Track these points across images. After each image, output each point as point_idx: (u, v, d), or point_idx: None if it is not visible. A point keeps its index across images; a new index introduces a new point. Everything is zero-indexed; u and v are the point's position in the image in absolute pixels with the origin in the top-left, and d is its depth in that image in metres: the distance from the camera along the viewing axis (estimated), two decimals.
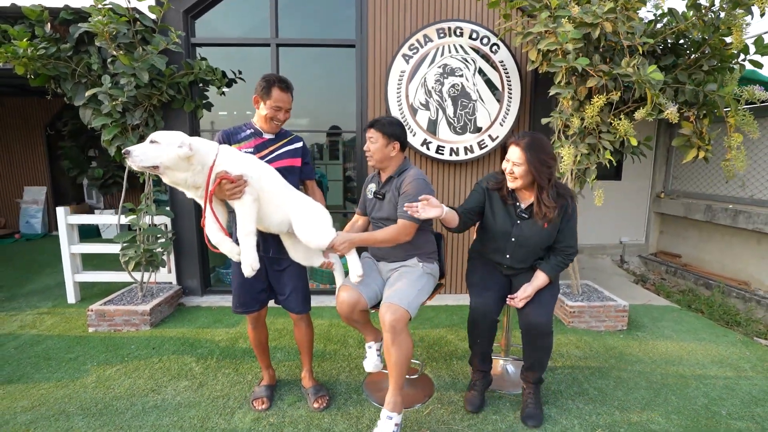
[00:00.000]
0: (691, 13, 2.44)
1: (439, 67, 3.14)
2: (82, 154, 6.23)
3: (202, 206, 1.62)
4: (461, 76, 3.15)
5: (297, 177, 2.00)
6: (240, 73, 3.45)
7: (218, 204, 1.69)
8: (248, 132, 1.92)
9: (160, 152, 1.49)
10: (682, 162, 2.97)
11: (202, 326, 2.98)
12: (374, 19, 3.15)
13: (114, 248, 3.20)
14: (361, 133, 3.34)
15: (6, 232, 6.28)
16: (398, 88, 3.13)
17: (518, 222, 1.87)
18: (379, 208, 1.97)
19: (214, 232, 1.64)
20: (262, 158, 1.86)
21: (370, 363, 2.00)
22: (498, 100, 3.20)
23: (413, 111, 3.17)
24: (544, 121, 2.85)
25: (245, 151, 1.84)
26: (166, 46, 2.71)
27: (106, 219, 3.41)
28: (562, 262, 1.88)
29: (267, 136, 1.93)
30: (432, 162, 3.32)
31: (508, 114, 3.22)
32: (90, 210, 6.54)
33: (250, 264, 1.60)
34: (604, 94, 2.39)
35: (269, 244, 1.91)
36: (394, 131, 1.91)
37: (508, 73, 3.18)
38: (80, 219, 3.40)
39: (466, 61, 3.15)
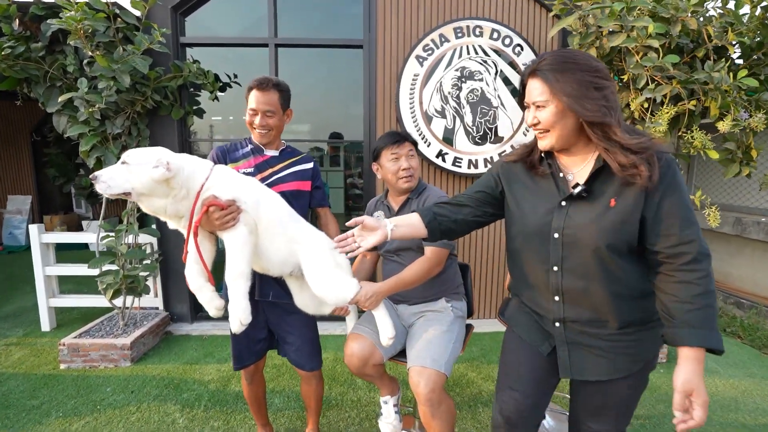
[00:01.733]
0: (757, 12, 2.13)
1: (457, 70, 2.82)
2: (68, 162, 5.89)
3: (185, 239, 1.30)
4: (481, 80, 2.84)
5: (306, 204, 1.67)
6: (235, 76, 3.12)
7: (205, 238, 1.36)
8: (247, 149, 1.61)
9: (130, 175, 1.20)
10: (724, 177, 2.65)
11: (190, 361, 2.63)
12: (384, 17, 2.84)
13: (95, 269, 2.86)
14: (369, 140, 3.01)
15: None
16: (411, 93, 2.81)
17: (562, 204, 1.02)
18: (394, 242, 1.64)
19: (193, 275, 1.31)
20: (263, 180, 1.54)
21: (388, 424, 1.66)
22: (521, 107, 2.88)
23: (428, 119, 2.85)
24: None
25: (244, 172, 1.52)
26: (149, 46, 2.38)
27: (85, 237, 3.07)
28: (699, 283, 0.88)
29: (270, 153, 1.61)
30: (448, 175, 2.99)
31: None
32: (78, 220, 6.19)
33: (238, 318, 1.26)
34: (667, 103, 2.06)
35: (268, 285, 1.57)
36: (416, 143, 1.70)
37: None
38: (56, 237, 3.06)
39: (487, 63, 2.84)
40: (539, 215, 1.05)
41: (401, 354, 1.64)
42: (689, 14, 1.91)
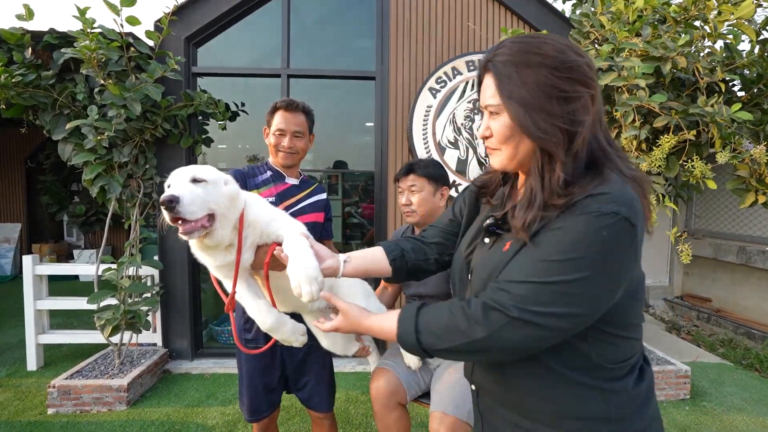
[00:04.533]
0: (756, 49, 2.21)
1: (469, 102, 2.85)
2: (64, 189, 5.75)
3: (232, 279, 1.10)
4: None
5: (317, 236, 1.60)
6: (243, 105, 3.11)
7: (250, 277, 1.20)
8: (267, 175, 1.54)
9: (210, 196, 0.99)
10: (739, 207, 2.66)
11: (191, 403, 2.45)
12: (397, 50, 2.89)
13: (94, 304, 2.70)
14: (381, 170, 2.98)
15: None
16: (424, 125, 2.82)
17: (485, 240, 0.83)
18: (423, 283, 1.56)
19: (264, 311, 1.13)
20: (285, 210, 1.47)
21: None
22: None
23: (441, 149, 2.84)
24: None
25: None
26: (163, 74, 2.36)
27: (80, 269, 2.92)
28: (453, 314, 0.71)
29: (290, 182, 1.56)
30: None
31: None
32: (68, 249, 5.97)
33: (310, 279, 0.91)
34: (670, 133, 2.10)
35: None
36: (441, 173, 1.60)
37: None
38: (51, 269, 2.90)
39: None
40: (462, 250, 0.88)
41: (426, 396, 1.56)
42: (676, 54, 1.97)
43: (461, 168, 2.86)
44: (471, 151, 2.86)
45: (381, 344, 2.78)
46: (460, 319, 0.69)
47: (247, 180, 1.50)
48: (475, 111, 2.86)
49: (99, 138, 2.35)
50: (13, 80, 2.27)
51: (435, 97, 2.82)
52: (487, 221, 0.80)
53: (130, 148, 2.52)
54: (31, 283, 2.82)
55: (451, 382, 1.41)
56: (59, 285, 4.91)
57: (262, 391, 1.50)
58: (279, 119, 1.49)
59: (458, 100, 2.84)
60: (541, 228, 0.68)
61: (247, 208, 1.15)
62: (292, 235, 1.04)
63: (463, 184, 2.87)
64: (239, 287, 1.17)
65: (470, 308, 0.69)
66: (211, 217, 1.02)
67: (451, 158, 2.85)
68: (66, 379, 2.42)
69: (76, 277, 5.63)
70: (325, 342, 1.45)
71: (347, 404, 2.46)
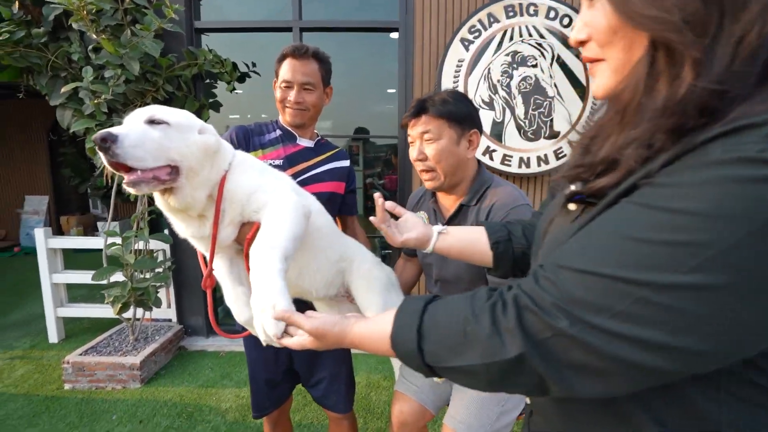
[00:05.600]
0: None
1: (507, 54, 2.46)
2: (84, 161, 5.73)
3: (207, 255, 0.91)
4: (535, 66, 2.47)
5: (336, 210, 1.35)
6: (254, 65, 2.81)
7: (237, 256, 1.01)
8: (275, 134, 1.29)
9: (173, 141, 0.79)
10: None
11: (205, 384, 2.35)
12: None
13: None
14: (404, 137, 2.67)
15: (6, 245, 5.83)
16: (455, 82, 2.46)
17: (565, 207, 0.54)
18: (442, 258, 1.13)
19: (241, 304, 0.96)
20: (295, 177, 1.22)
21: None
22: (581, 98, 2.50)
23: None
24: None
25: (271, 164, 1.19)
26: (159, 26, 2.10)
27: (94, 242, 2.82)
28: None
29: (303, 143, 1.30)
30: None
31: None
32: (94, 221, 6.04)
33: (270, 303, 0.73)
34: None
35: None
36: (468, 110, 1.08)
37: None
38: (63, 242, 2.82)
39: (542, 47, 2.46)
40: (542, 225, 0.63)
41: None
42: None
43: (497, 132, 2.51)
44: (508, 112, 2.50)
45: None
46: (485, 323, 0.43)
47: (251, 138, 1.26)
48: (514, 65, 2.46)
49: (96, 102, 2.15)
50: (0, 38, 2.07)
51: (468, 49, 2.44)
52: (572, 186, 0.50)
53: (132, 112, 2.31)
54: (45, 257, 2.75)
55: (470, 394, 1.16)
56: (86, 257, 4.96)
57: (264, 386, 1.33)
58: (285, 69, 1.23)
59: (494, 53, 2.45)
60: (641, 182, 0.38)
61: (231, 172, 0.90)
62: (271, 219, 0.83)
63: (498, 150, 2.52)
64: (218, 267, 0.98)
65: (503, 307, 0.43)
66: (174, 170, 0.80)
67: (485, 121, 2.49)
68: (80, 355, 2.36)
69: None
70: None
71: (368, 390, 2.29)
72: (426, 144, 1.07)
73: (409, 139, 1.13)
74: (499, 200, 1.08)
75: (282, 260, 0.76)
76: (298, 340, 0.64)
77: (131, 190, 0.76)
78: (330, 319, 0.60)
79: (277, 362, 1.30)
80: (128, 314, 2.45)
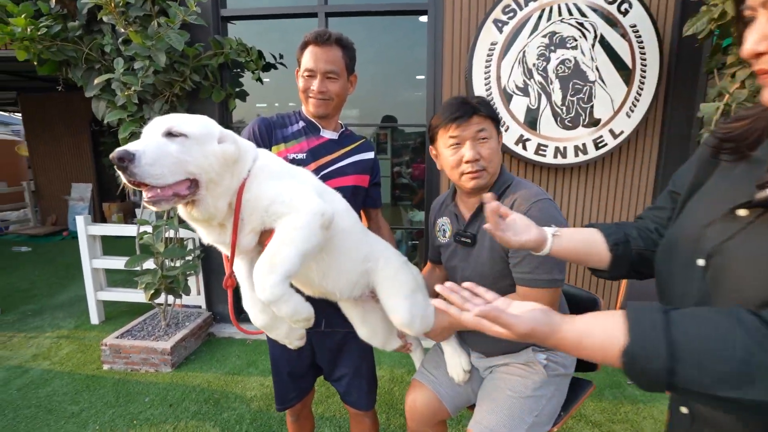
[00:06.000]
0: None
1: (545, 36, 2.28)
2: None
3: (229, 257, 0.92)
4: (575, 47, 2.28)
5: (360, 204, 1.30)
6: (281, 57, 2.78)
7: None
8: (298, 126, 1.24)
9: (191, 155, 0.77)
10: None
11: (232, 371, 2.40)
12: None
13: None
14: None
15: (56, 229, 6.24)
16: (487, 66, 2.32)
17: (738, 214, 0.54)
18: (465, 258, 1.16)
19: (258, 308, 0.96)
20: (319, 170, 1.19)
21: None
22: (626, 82, 2.29)
23: (506, 97, 2.35)
24: (705, 108, 1.92)
25: (293, 158, 1.17)
26: (184, 18, 2.09)
27: (128, 230, 2.93)
28: None
29: (327, 135, 1.25)
30: (527, 166, 2.48)
31: (638, 101, 2.31)
32: (133, 208, 6.34)
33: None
34: None
35: (318, 311, 1.23)
36: (496, 114, 1.12)
37: (642, 42, 2.26)
38: (101, 230, 2.95)
39: (583, 26, 2.27)
40: (687, 225, 0.62)
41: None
42: None
43: (531, 120, 2.36)
44: (544, 98, 2.33)
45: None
46: (753, 347, 0.41)
47: (274, 131, 1.22)
48: (551, 47, 2.29)
49: (127, 93, 2.19)
50: (39, 32, 2.13)
51: (501, 31, 2.29)
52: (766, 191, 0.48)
53: (161, 103, 2.35)
54: (86, 243, 2.89)
55: (497, 400, 1.11)
56: (126, 243, 5.22)
57: (287, 379, 1.33)
58: (308, 57, 1.17)
59: (530, 35, 2.28)
60: None
61: (250, 180, 0.88)
62: (280, 236, 0.84)
63: (532, 139, 2.37)
64: (239, 269, 0.99)
65: None
66: (193, 183, 0.79)
67: (518, 107, 2.34)
68: (117, 338, 2.47)
69: None
70: (363, 331, 1.22)
71: (391, 384, 2.26)
72: (481, 144, 1.06)
73: (453, 141, 1.07)
74: (521, 196, 1.05)
75: (281, 282, 0.80)
76: (498, 330, 0.59)
77: (152, 208, 0.76)
78: (536, 316, 0.57)
79: (300, 357, 1.29)
80: (160, 300, 2.54)
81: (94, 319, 3.07)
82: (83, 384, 2.28)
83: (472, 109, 1.05)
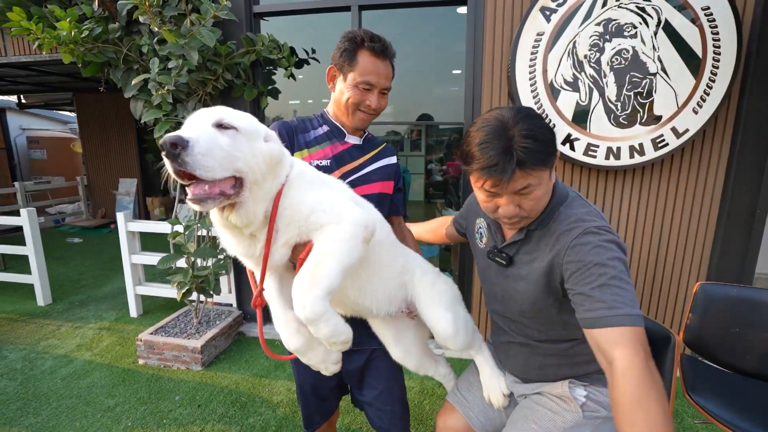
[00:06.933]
0: None
1: (598, 24, 2.06)
2: None
3: (258, 275, 0.85)
4: (634, 35, 2.04)
5: (385, 212, 1.20)
6: (314, 51, 2.71)
7: (286, 272, 0.94)
8: (322, 131, 1.16)
9: (242, 149, 0.71)
10: None
11: (260, 373, 2.39)
12: None
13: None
14: (470, 122, 2.41)
15: (105, 222, 6.61)
16: (532, 59, 2.13)
17: None
18: (499, 275, 1.02)
19: (292, 331, 0.87)
20: (344, 177, 1.11)
21: None
22: (694, 73, 2.03)
23: (553, 93, 2.15)
24: None
25: (317, 165, 1.09)
26: (215, 14, 2.06)
27: (162, 228, 3.00)
28: None
29: (351, 141, 1.17)
30: (575, 168, 2.27)
31: (708, 95, 2.03)
32: (174, 203, 6.60)
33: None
34: None
35: None
36: (552, 133, 0.85)
37: (716, 27, 1.98)
38: (140, 226, 3.03)
39: (644, 12, 2.02)
40: None
41: None
42: None
43: (581, 117, 2.14)
44: (596, 93, 2.11)
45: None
46: None
47: (295, 136, 1.14)
48: (606, 36, 2.06)
49: (160, 92, 2.20)
50: (82, 35, 2.18)
51: (549, 20, 2.09)
52: None
53: (194, 102, 2.35)
54: (126, 239, 2.98)
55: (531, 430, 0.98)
56: (165, 239, 5.43)
57: (312, 398, 1.27)
58: (368, 66, 1.06)
59: (582, 23, 2.07)
60: None
61: (288, 187, 0.80)
62: (321, 249, 0.77)
63: (581, 139, 2.16)
64: (268, 286, 0.92)
65: None
66: (237, 182, 0.72)
67: (566, 104, 2.14)
68: (151, 334, 2.52)
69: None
70: (396, 352, 1.15)
71: (421, 397, 2.15)
72: (522, 197, 0.86)
73: (489, 195, 0.88)
74: (564, 231, 0.89)
75: (323, 299, 0.73)
76: None
77: (196, 207, 0.69)
78: None
79: (327, 378, 1.21)
80: (192, 297, 2.57)
81: (133, 312, 3.18)
82: (120, 377, 2.34)
83: (516, 164, 0.80)
